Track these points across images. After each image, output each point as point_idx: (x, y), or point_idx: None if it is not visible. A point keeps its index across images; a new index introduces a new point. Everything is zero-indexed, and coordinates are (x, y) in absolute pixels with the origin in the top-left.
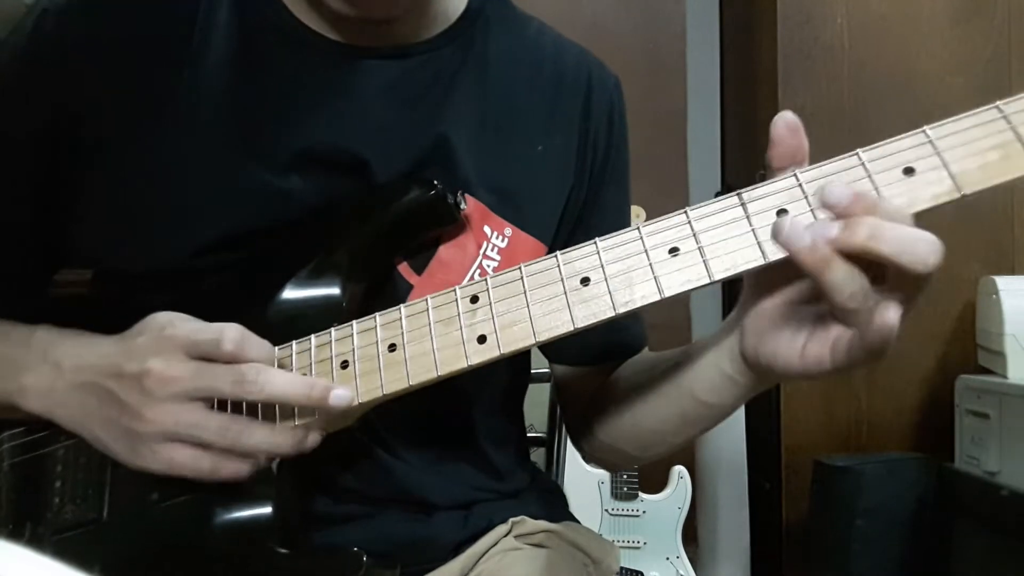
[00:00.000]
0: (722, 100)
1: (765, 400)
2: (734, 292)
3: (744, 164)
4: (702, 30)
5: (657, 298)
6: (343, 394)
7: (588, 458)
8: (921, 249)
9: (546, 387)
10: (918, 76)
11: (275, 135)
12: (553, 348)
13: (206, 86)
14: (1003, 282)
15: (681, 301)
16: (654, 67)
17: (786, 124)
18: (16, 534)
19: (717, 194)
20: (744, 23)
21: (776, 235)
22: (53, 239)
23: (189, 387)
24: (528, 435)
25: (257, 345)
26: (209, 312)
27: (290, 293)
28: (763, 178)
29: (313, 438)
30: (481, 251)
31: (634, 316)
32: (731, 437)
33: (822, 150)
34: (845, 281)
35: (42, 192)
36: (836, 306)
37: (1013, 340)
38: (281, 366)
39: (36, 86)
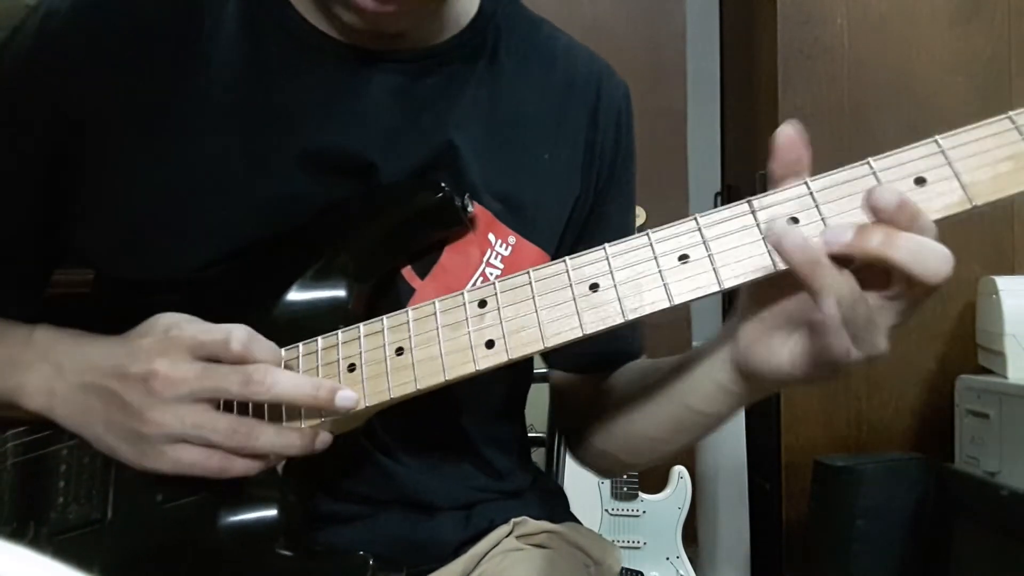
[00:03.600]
0: (722, 100)
1: (765, 400)
2: (733, 293)
3: (744, 164)
4: (702, 30)
5: (667, 305)
6: (349, 395)
7: (581, 463)
8: (933, 261)
9: (546, 387)
10: (918, 76)
11: (283, 138)
12: (552, 354)
13: (214, 91)
14: (1003, 282)
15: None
16: (654, 67)
17: (787, 136)
18: (19, 534)
19: (717, 194)
20: (744, 23)
21: (768, 235)
22: (56, 245)
23: (195, 388)
24: (528, 435)
25: (264, 346)
26: (215, 313)
27: (296, 295)
28: (763, 179)
29: (323, 438)
30: (484, 258)
31: (632, 325)
32: (731, 437)
33: (822, 150)
34: (833, 285)
35: (45, 197)
36: (824, 311)
37: (1013, 340)
38: (288, 368)
39: (40, 91)
